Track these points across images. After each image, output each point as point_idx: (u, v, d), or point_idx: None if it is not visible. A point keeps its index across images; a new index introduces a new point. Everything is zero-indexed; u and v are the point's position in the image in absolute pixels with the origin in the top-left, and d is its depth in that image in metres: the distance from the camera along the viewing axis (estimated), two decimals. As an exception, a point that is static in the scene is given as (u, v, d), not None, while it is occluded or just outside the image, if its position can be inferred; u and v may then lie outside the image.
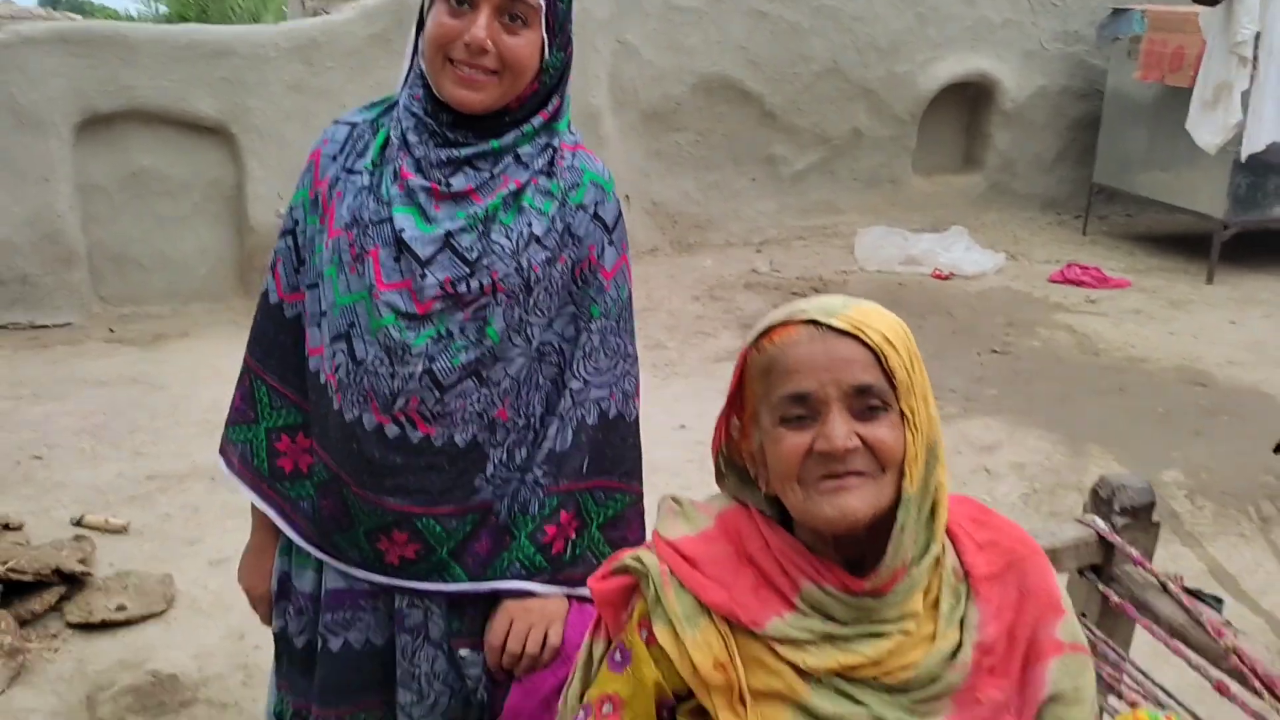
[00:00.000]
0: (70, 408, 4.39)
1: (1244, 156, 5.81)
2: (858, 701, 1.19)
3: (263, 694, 2.68)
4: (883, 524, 1.17)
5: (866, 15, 7.01)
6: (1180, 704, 1.77)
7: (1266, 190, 6.31)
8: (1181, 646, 1.88)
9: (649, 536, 1.34)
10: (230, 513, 3.56)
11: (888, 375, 1.16)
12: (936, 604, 1.22)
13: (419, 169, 1.47)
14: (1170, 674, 1.98)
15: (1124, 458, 3.95)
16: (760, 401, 1.22)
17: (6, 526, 3.30)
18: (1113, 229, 7.64)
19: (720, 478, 1.35)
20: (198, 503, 3.66)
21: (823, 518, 1.16)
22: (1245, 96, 5.72)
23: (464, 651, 1.59)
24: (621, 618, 1.31)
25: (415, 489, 1.52)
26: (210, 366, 4.99)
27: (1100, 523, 2.09)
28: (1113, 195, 7.49)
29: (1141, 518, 2.09)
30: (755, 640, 1.21)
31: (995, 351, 5.11)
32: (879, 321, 1.20)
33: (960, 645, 1.21)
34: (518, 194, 1.49)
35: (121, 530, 3.43)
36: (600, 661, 1.33)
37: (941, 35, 7.27)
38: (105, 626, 2.89)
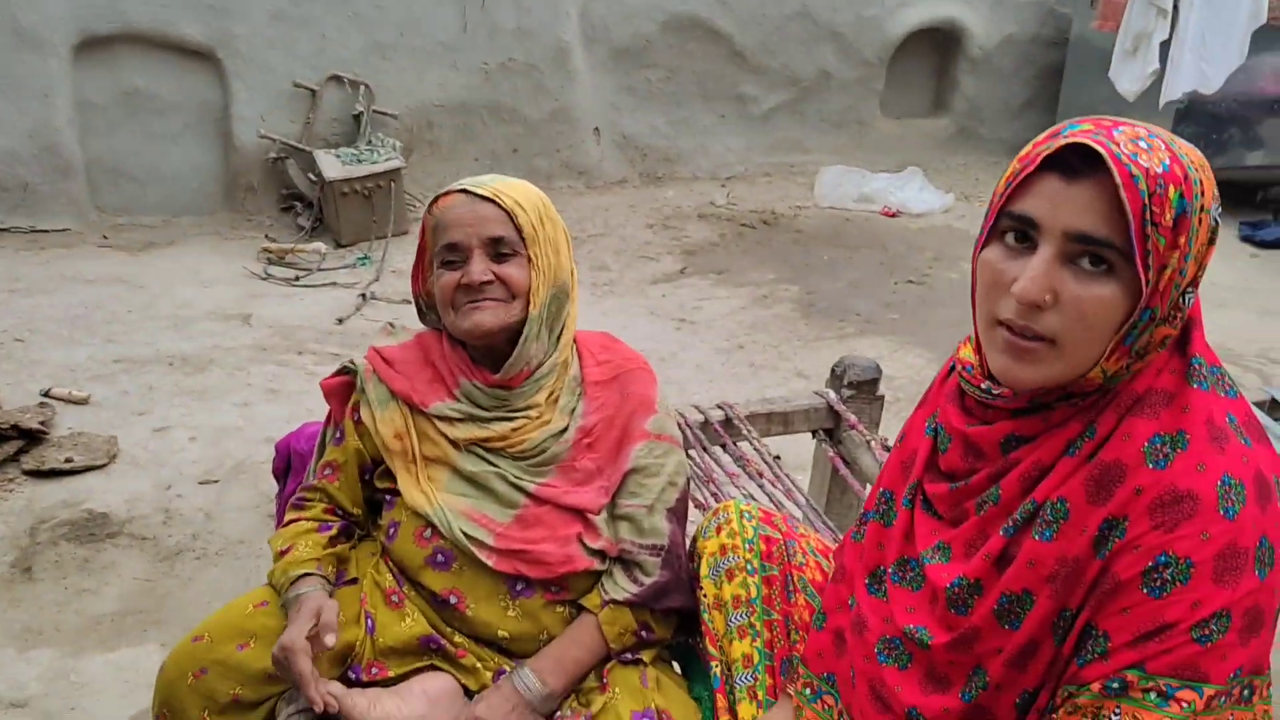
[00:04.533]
0: (56, 300, 4.90)
1: (1160, 104, 6.06)
2: (491, 464, 1.68)
3: (179, 532, 3.19)
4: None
5: (835, -41, 7.29)
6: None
7: (1210, 140, 6.55)
8: (857, 484, 2.31)
9: None
10: (179, 392, 4.07)
11: (518, 229, 1.62)
12: (557, 400, 1.71)
13: None
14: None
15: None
16: (431, 252, 1.70)
17: (-18, 393, 3.79)
18: (1075, 175, 7.87)
19: (422, 315, 1.83)
20: (154, 382, 4.15)
21: (462, 330, 1.65)
22: (1165, 47, 5.96)
23: None
24: (343, 408, 1.79)
25: None
26: (190, 270, 5.50)
27: (831, 394, 2.51)
28: (1077, 143, 7.69)
29: (865, 391, 2.50)
30: (424, 418, 1.71)
31: (911, 282, 5.45)
32: (516, 191, 1.67)
33: (567, 428, 1.70)
34: None
35: (83, 401, 3.93)
36: (329, 441, 1.82)
37: (911, -20, 7.53)
38: (54, 474, 3.39)
